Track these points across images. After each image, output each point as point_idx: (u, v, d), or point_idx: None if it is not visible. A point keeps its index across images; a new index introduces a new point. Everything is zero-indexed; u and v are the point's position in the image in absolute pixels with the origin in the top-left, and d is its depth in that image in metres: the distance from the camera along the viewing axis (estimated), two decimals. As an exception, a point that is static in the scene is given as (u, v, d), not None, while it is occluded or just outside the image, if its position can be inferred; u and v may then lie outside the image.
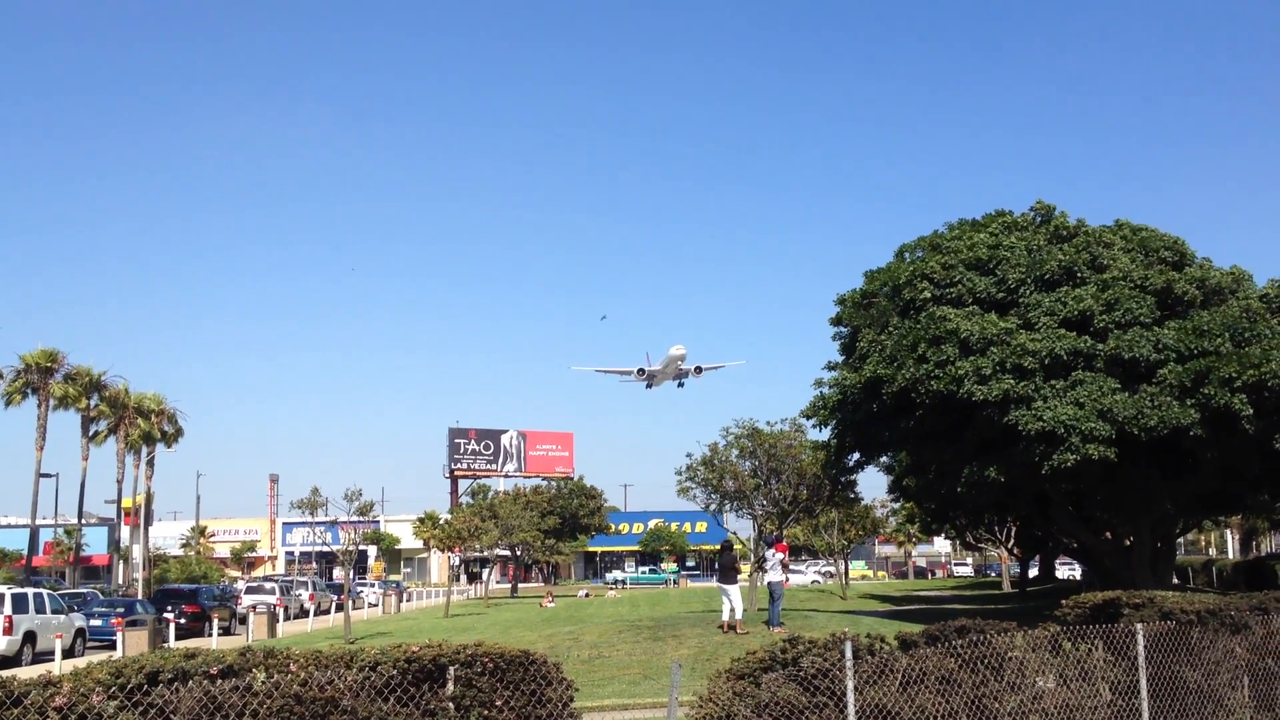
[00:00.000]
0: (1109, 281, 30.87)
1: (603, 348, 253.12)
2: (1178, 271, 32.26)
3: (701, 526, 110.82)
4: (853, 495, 47.09)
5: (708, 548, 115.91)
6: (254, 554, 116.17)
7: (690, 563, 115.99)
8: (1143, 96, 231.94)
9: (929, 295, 32.42)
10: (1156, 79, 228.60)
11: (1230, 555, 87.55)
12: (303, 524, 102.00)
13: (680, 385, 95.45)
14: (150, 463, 73.90)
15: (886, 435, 34.09)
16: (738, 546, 35.39)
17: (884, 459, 41.49)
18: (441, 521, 64.10)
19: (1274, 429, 28.43)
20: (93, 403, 68.58)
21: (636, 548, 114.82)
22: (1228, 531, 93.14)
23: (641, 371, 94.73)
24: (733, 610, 26.11)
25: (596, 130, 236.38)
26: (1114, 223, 34.70)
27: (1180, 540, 60.97)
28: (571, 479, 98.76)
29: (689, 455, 40.49)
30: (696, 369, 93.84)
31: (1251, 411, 27.74)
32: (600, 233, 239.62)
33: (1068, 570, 79.65)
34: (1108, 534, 38.01)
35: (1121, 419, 28.14)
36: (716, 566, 30.89)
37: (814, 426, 36.80)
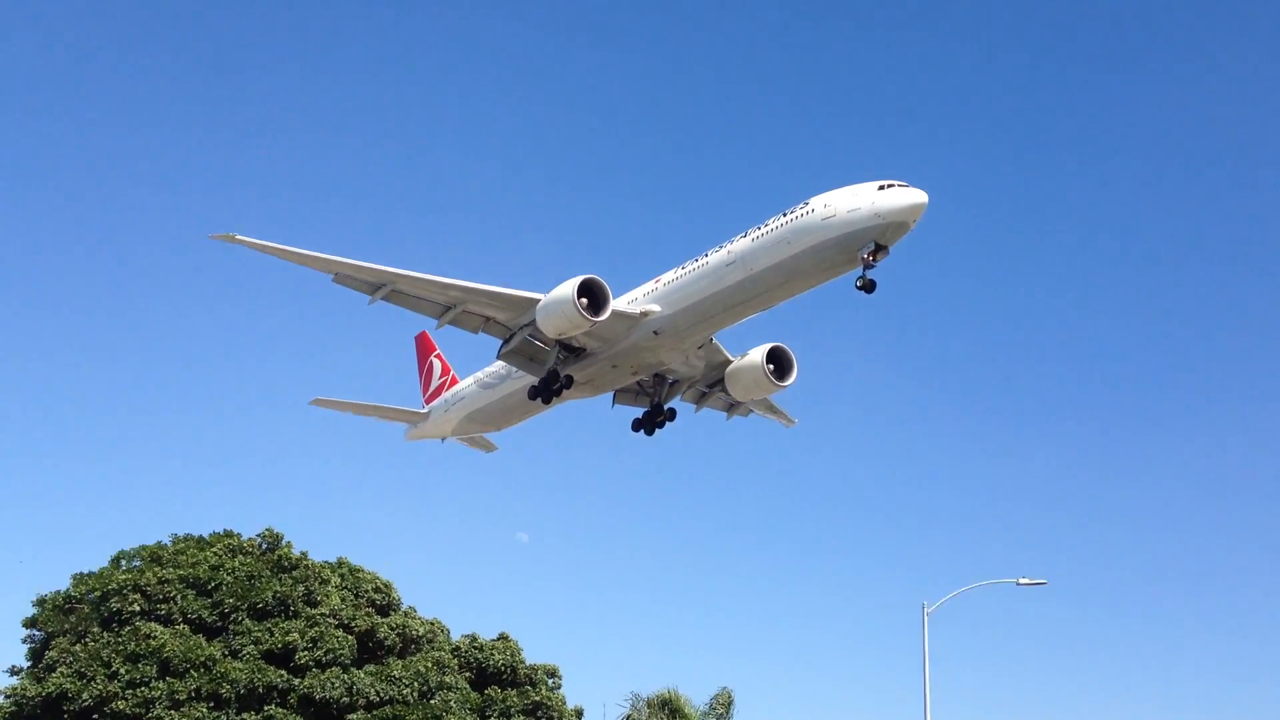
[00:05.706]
0: (318, 618, 32.01)
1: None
2: (384, 615, 34.28)
3: None
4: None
5: None
6: None
7: None
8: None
9: (139, 608, 31.54)
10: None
11: None
12: None
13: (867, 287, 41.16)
14: None
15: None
16: None
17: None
18: None
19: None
20: None
21: None
22: None
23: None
24: None
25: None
26: (335, 560, 36.38)
27: None
28: None
29: None
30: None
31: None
32: None
33: None
34: None
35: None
36: None
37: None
